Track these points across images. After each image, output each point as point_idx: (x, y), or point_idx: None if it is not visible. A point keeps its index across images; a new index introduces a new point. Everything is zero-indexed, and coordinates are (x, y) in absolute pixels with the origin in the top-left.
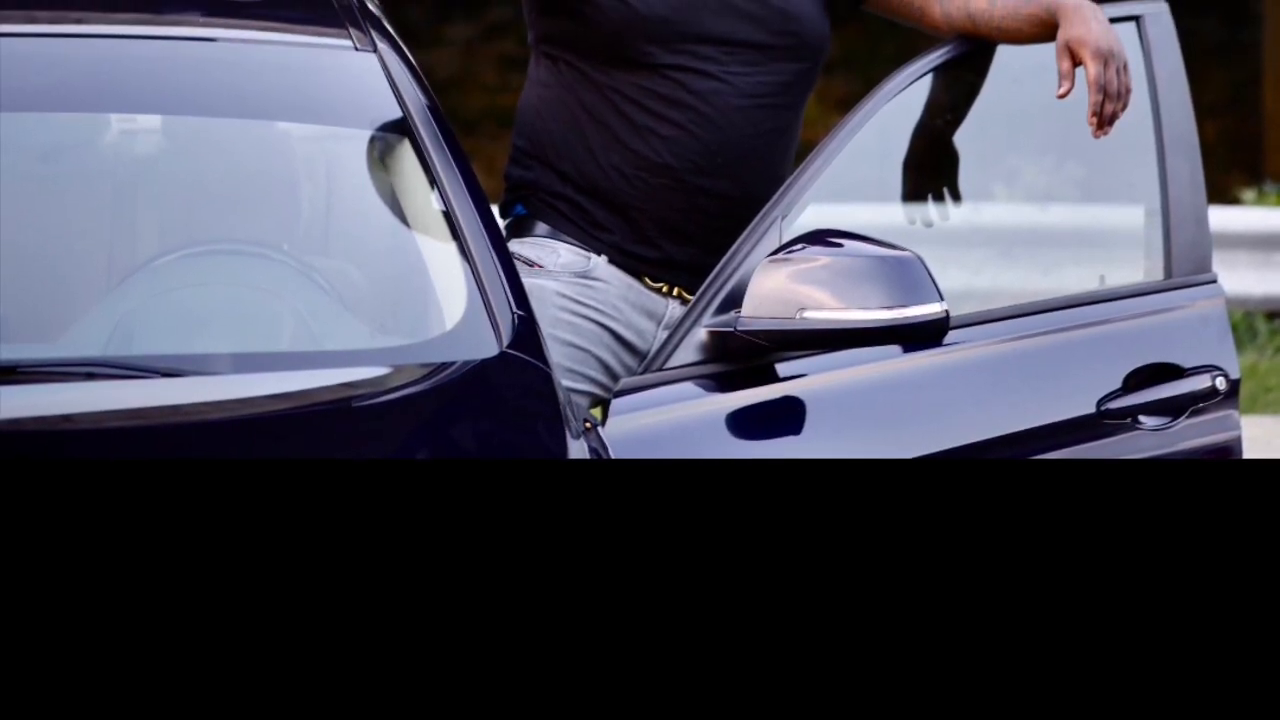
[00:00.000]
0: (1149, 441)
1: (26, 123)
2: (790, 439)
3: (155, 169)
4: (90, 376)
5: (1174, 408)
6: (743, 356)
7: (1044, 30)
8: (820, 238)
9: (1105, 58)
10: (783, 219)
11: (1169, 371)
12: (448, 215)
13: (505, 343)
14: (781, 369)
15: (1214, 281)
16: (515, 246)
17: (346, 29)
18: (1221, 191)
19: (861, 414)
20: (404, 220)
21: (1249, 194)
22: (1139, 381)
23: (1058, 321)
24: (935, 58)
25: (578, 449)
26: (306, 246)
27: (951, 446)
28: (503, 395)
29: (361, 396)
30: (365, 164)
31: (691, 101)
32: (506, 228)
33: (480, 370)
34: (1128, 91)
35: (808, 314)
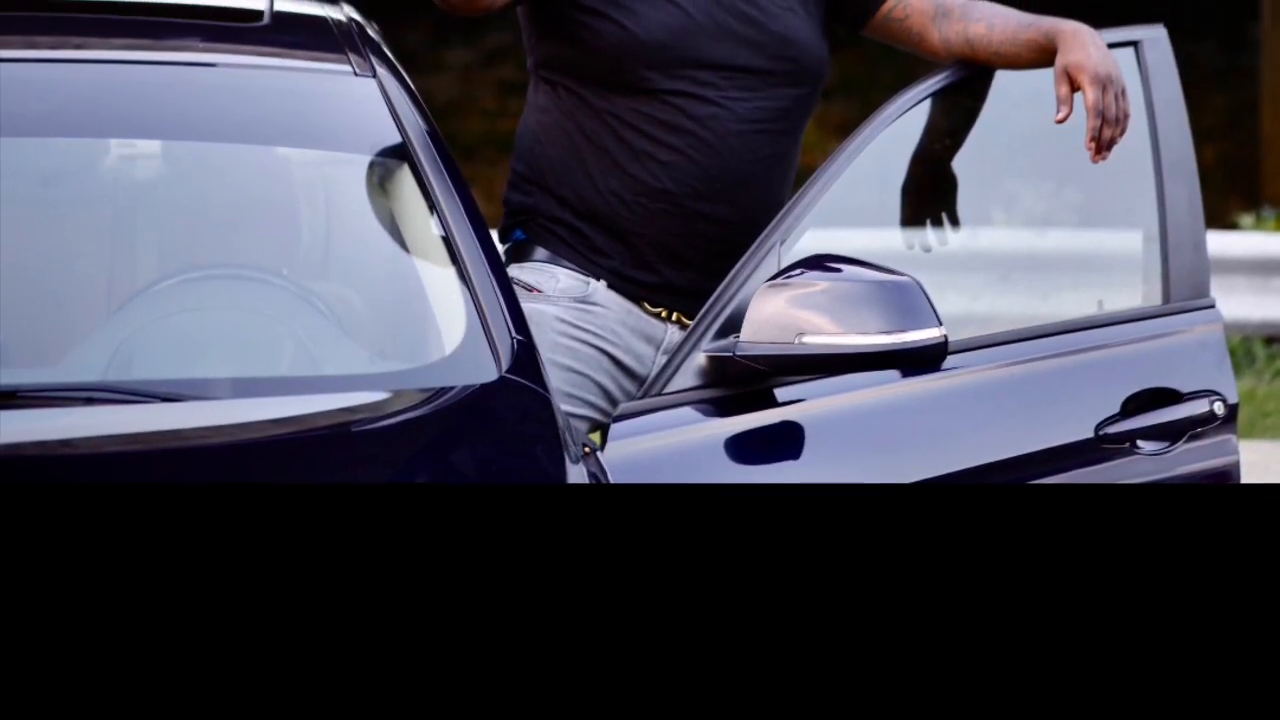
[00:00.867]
0: (1147, 466)
1: (27, 148)
2: (789, 464)
3: (155, 194)
4: (90, 401)
5: (1172, 432)
6: (741, 381)
7: (1042, 55)
8: (819, 263)
9: (1104, 83)
10: (781, 244)
11: (1167, 396)
12: (447, 240)
13: (504, 368)
14: (780, 394)
15: (1212, 306)
16: (514, 271)
17: (346, 54)
18: (1219, 216)
19: (860, 439)
20: (403, 245)
21: (1247, 219)
22: (1137, 406)
23: (1056, 346)
24: (934, 83)
25: (577, 474)
26: (306, 271)
27: (950, 471)
28: (502, 420)
29: (361, 421)
30: (364, 189)
31: (690, 127)
32: (506, 253)
33: (479, 395)
34: (1126, 117)
35: (806, 339)
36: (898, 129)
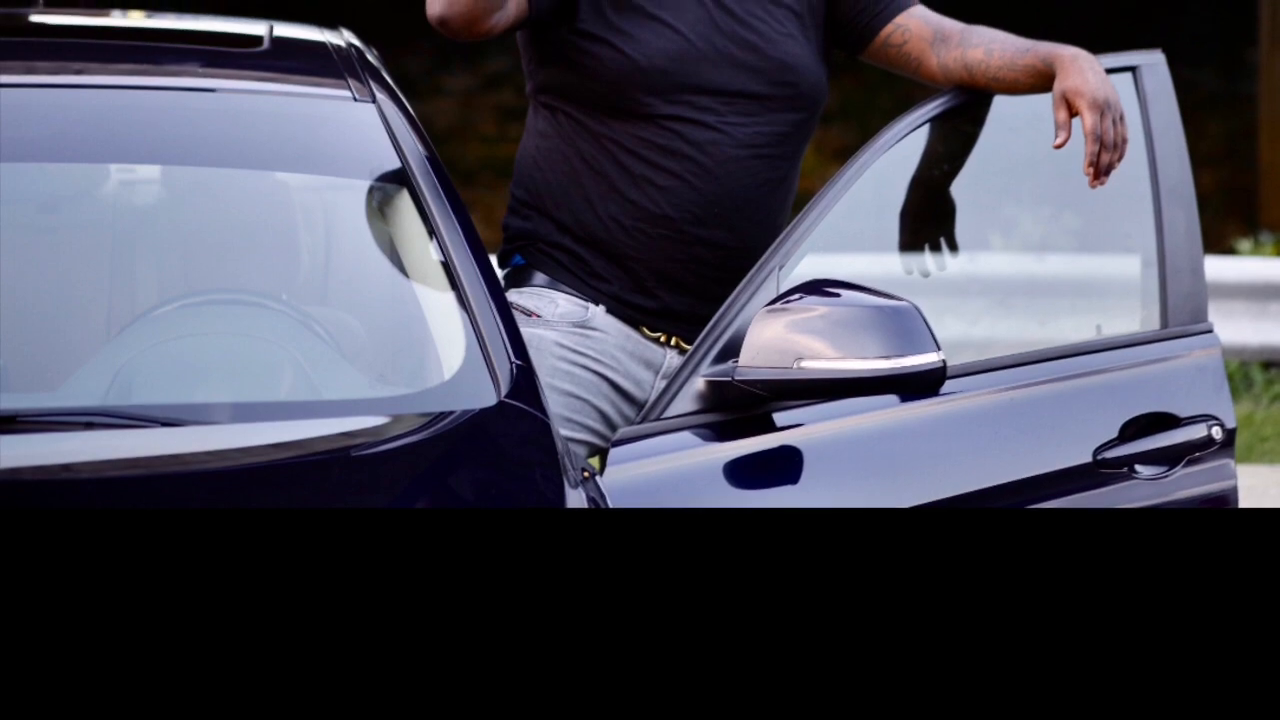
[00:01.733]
0: (1145, 490)
1: (27, 173)
2: (788, 488)
3: (155, 219)
4: (89, 426)
5: (1170, 457)
6: (740, 406)
7: (1041, 81)
8: (817, 287)
9: (1102, 108)
10: (780, 269)
11: (1165, 421)
12: (446, 265)
13: (504, 392)
14: (779, 418)
15: (1210, 331)
16: (514, 296)
17: (345, 80)
18: (1217, 241)
19: (859, 463)
20: (403, 270)
21: (1245, 244)
22: (1135, 431)
23: (1054, 371)
24: (932, 108)
25: (576, 498)
26: (305, 296)
27: (948, 496)
28: (501, 445)
29: (360, 446)
30: (364, 214)
31: (689, 152)
32: (505, 278)
33: (479, 420)
34: (1124, 142)
35: (805, 363)
36: (896, 154)
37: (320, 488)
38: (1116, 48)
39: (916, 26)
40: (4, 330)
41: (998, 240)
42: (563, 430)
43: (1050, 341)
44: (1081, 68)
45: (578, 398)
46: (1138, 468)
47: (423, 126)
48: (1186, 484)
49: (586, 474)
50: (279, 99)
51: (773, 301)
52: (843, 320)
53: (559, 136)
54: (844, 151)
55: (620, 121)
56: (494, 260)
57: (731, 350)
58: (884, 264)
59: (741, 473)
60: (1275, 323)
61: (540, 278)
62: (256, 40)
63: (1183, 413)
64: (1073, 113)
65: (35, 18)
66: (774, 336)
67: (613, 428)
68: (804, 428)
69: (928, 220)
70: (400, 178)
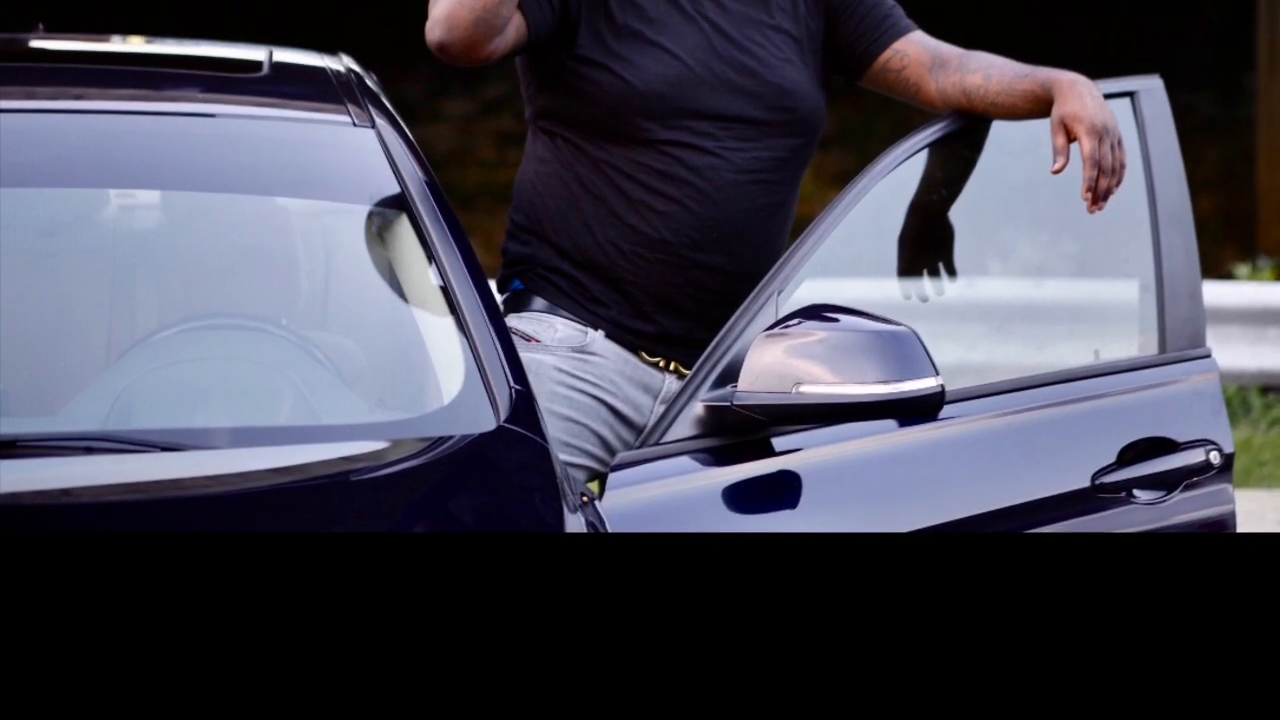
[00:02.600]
0: (1143, 515)
1: (27, 198)
2: (786, 513)
3: (154, 244)
4: (89, 451)
5: (1168, 482)
6: (739, 431)
7: (1039, 106)
8: (816, 312)
9: (1100, 133)
10: (779, 294)
11: (1163, 446)
12: (445, 290)
13: (503, 417)
14: (777, 443)
15: (1208, 356)
16: (513, 321)
17: (345, 105)
18: (1215, 266)
19: (857, 488)
20: (402, 295)
21: (1243, 269)
22: (1133, 455)
23: (1052, 396)
24: (930, 133)
25: (575, 523)
26: (305, 321)
27: (947, 520)
28: (500, 469)
29: (360, 471)
30: (363, 239)
31: (688, 177)
32: (504, 302)
33: (478, 444)
34: (1122, 167)
35: (804, 388)
36: (895, 179)
37: (320, 512)
38: (1115, 73)
39: (915, 52)
40: (4, 355)
41: (996, 265)
42: (562, 455)
43: (1048, 366)
44: (1080, 93)
45: (576, 422)
46: (1136, 492)
47: (422, 151)
48: (1185, 509)
49: (585, 499)
50: (279, 124)
51: (771, 326)
52: (841, 345)
53: (558, 162)
54: (842, 177)
55: (619, 146)
56: (493, 285)
57: (730, 375)
58: (882, 289)
59: (740, 497)
60: (1273, 347)
61: (539, 303)
62: (256, 65)
63: (1181, 437)
64: (1071, 138)
65: (35, 43)
66: (773, 361)
67: (612, 452)
68: (802, 452)
69: (926, 245)
70: (399, 203)
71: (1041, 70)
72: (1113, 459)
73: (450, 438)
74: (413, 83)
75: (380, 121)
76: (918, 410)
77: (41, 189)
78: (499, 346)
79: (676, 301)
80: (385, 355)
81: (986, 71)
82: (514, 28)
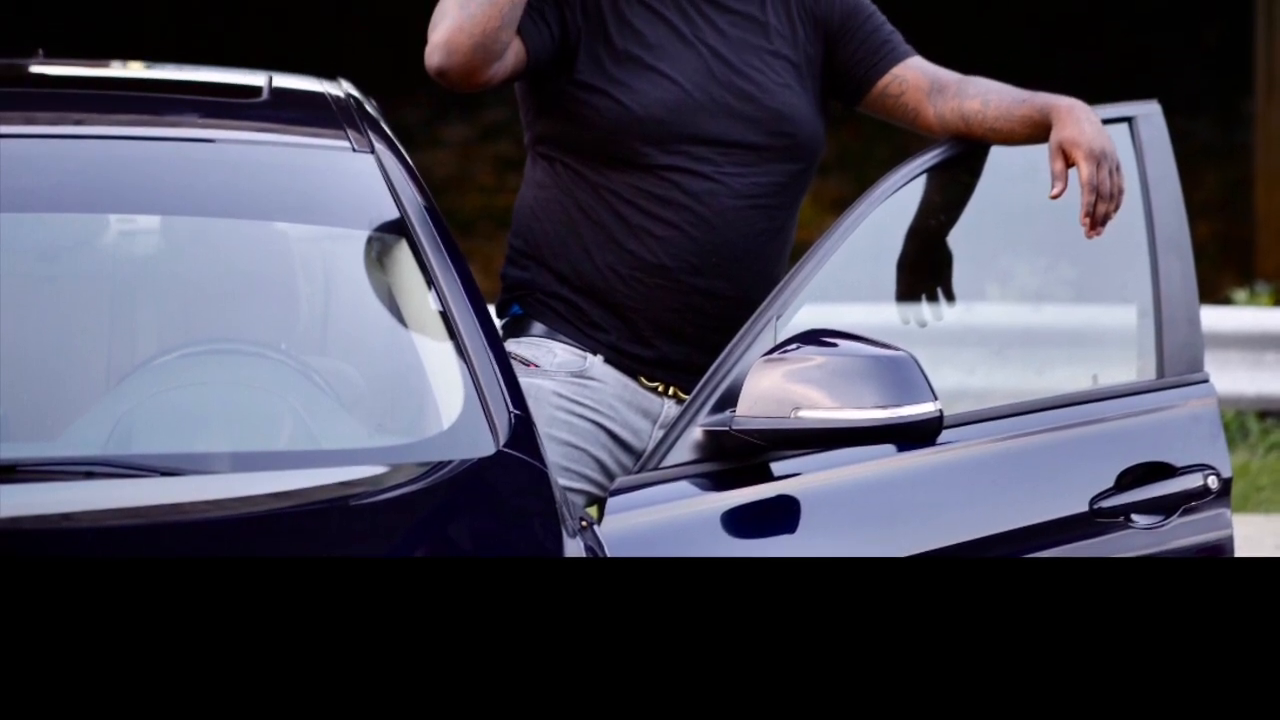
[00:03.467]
0: (1141, 540)
1: (27, 223)
2: (785, 538)
3: (154, 269)
4: (89, 475)
5: (1166, 506)
6: (738, 455)
7: (1037, 131)
8: (815, 337)
9: (1098, 159)
10: (777, 319)
11: (1161, 470)
12: (445, 315)
13: (502, 442)
14: (776, 468)
15: (1206, 381)
16: (512, 346)
17: (344, 130)
18: (1213, 291)
19: (856, 513)
20: (401, 320)
21: (1241, 294)
22: (1132, 480)
23: (1051, 421)
24: (929, 159)
25: (574, 547)
26: (304, 346)
27: (945, 545)
28: (499, 494)
29: (359, 495)
30: (363, 264)
31: (686, 202)
32: (503, 327)
33: (477, 469)
34: (1120, 192)
35: (802, 413)
36: (893, 204)
37: (319, 537)
38: (1113, 98)
39: (913, 77)
40: (4, 379)
41: (994, 290)
42: (561, 480)
43: (1047, 391)
44: (1078, 118)
45: (576, 447)
46: (1134, 517)
47: (421, 177)
48: (1182, 533)
49: (584, 523)
50: (278, 149)
51: (770, 351)
52: (840, 370)
53: (557, 187)
54: (841, 202)
55: (618, 171)
56: (492, 310)
57: (729, 400)
58: (881, 314)
59: (739, 522)
60: (1271, 372)
61: (538, 327)
62: (255, 91)
63: (1179, 462)
64: (1069, 163)
65: (35, 68)
66: (771, 386)
67: (611, 477)
68: (801, 477)
69: (925, 270)
70: (399, 228)
71: (1040, 95)
72: (1111, 484)
73: (449, 462)
74: (412, 108)
75: (379, 146)
76: (916, 435)
77: (42, 214)
78: (498, 371)
79: (675, 326)
80: (384, 380)
81: (985, 97)
82: (513, 53)
